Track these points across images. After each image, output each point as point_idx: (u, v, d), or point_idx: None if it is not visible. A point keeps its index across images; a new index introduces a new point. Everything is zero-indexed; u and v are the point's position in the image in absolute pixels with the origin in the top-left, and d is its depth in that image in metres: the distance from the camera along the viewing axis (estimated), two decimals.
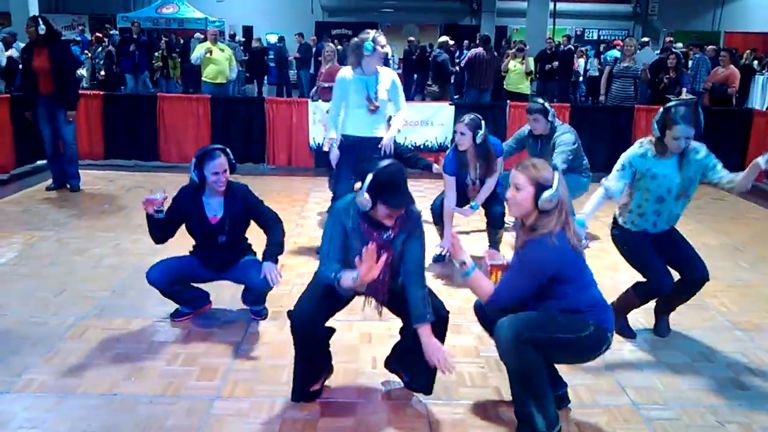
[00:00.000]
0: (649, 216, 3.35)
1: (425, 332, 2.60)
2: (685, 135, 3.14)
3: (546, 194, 2.38)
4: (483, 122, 4.37)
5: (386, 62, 4.61)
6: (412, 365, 2.85)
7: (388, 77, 4.58)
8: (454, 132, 4.45)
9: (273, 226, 3.48)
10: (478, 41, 11.05)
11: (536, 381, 2.47)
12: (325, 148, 4.74)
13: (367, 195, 2.48)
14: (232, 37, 16.23)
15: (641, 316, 3.72)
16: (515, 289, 2.48)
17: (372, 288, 2.65)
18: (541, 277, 2.44)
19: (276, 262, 3.37)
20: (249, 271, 3.47)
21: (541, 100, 5.04)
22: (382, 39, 4.44)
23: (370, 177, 2.48)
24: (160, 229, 3.40)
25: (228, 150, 3.40)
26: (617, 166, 3.38)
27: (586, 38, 22.85)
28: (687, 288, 3.45)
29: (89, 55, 15.77)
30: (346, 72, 4.57)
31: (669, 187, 3.26)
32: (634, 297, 3.48)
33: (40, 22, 6.04)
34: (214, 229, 3.43)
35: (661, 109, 3.24)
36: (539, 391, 2.49)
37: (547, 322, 2.47)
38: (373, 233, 2.59)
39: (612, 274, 4.43)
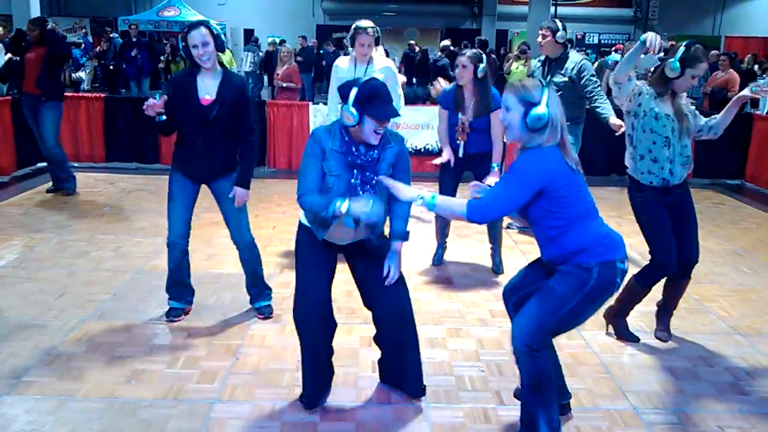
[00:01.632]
0: (664, 163, 3.24)
1: (398, 248, 2.72)
2: (704, 75, 3.13)
3: (534, 111, 2.32)
4: (485, 57, 4.28)
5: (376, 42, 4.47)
6: (399, 374, 2.87)
7: (382, 66, 4.48)
8: (455, 65, 4.31)
9: (247, 146, 3.49)
10: (476, 46, 11.07)
11: (547, 388, 2.47)
12: None
13: (353, 109, 2.45)
14: (255, 41, 16.07)
15: (642, 320, 3.72)
16: (502, 201, 2.37)
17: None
18: (530, 186, 2.34)
19: (248, 188, 3.48)
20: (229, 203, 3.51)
21: (557, 21, 4.98)
22: (364, 23, 4.38)
23: (355, 90, 2.45)
24: (164, 125, 3.45)
25: (213, 25, 3.40)
26: None
27: (586, 42, 22.88)
28: (680, 270, 3.39)
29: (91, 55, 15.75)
30: (341, 62, 4.56)
31: (672, 127, 3.21)
32: (636, 289, 3.42)
33: (49, 24, 6.10)
34: (205, 110, 3.37)
35: (683, 47, 3.17)
36: (548, 399, 2.48)
37: (551, 302, 2.41)
38: (357, 149, 2.57)
39: None
